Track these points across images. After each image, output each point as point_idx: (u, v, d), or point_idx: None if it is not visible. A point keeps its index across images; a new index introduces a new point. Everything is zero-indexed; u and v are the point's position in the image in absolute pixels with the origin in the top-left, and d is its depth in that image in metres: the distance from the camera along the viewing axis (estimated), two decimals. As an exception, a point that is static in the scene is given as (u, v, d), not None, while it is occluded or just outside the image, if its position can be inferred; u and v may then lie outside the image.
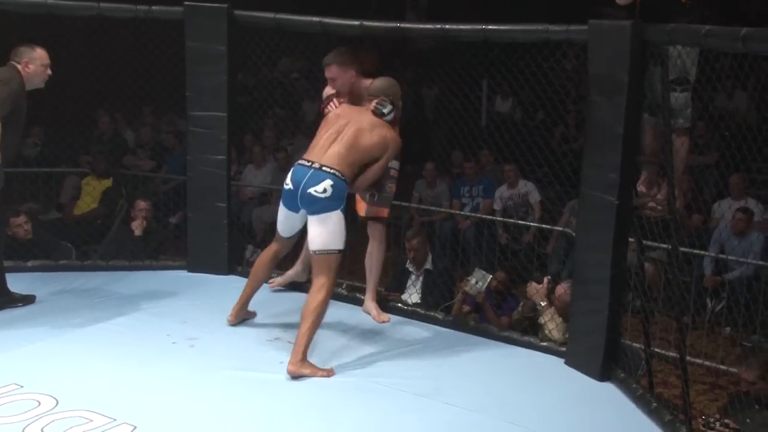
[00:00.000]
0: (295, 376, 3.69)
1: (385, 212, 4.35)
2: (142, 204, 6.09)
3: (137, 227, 5.94)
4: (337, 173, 3.76)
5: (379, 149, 3.88)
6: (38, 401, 3.37)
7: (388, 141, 3.92)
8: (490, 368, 3.96)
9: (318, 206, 3.75)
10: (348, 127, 3.87)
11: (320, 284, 3.75)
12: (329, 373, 3.76)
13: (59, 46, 4.71)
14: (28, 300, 4.49)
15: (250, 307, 4.31)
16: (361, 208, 4.39)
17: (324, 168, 3.76)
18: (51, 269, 5.03)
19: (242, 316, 4.27)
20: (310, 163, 3.80)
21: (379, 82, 4.06)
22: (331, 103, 4.17)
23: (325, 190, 3.72)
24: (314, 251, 3.79)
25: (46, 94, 4.57)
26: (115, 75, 6.61)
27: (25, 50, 4.33)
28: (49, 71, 4.39)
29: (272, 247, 4.17)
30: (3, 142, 4.11)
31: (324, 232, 3.75)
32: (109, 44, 4.97)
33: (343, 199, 3.79)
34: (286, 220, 3.98)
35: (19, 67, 4.31)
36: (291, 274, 4.70)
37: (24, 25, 4.59)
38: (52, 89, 4.55)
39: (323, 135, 3.90)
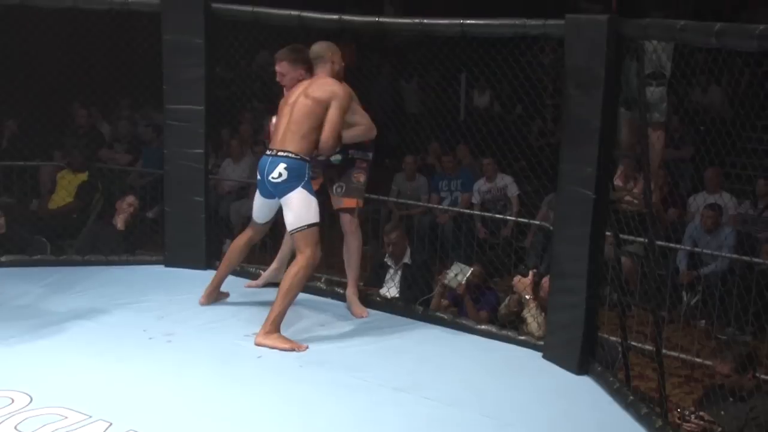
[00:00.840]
0: (260, 345, 3.86)
1: (353, 203, 4.35)
2: (130, 198, 6.03)
3: (121, 221, 5.88)
4: (290, 154, 3.93)
5: (324, 105, 3.96)
6: (11, 398, 3.32)
7: (334, 91, 3.99)
8: (469, 362, 3.96)
9: (279, 190, 3.94)
10: (293, 106, 4.01)
11: (300, 260, 3.93)
12: (297, 347, 3.87)
13: (33, 38, 4.64)
14: None
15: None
16: (332, 200, 4.40)
17: (279, 153, 3.95)
18: (26, 264, 4.97)
19: (214, 297, 4.40)
20: (271, 152, 3.99)
21: (315, 46, 4.16)
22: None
23: (280, 175, 3.91)
24: (290, 232, 3.99)
25: (20, 87, 4.50)
26: (90, 68, 6.53)
27: None
28: None
29: (247, 233, 4.34)
30: None
31: (291, 212, 3.93)
32: (85, 36, 4.90)
33: (301, 177, 3.92)
34: (260, 207, 4.17)
35: None
36: (267, 275, 4.70)
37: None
38: (27, 82, 4.49)
39: (279, 123, 4.07)
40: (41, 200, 7.10)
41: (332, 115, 3.97)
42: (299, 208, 3.91)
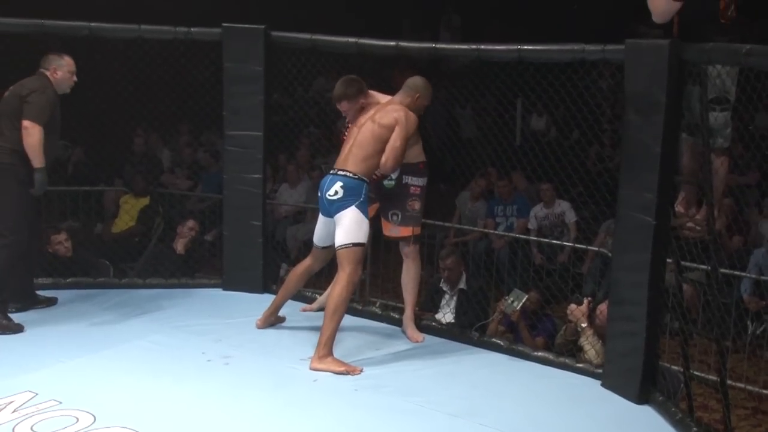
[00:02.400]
0: (315, 370, 3.91)
1: (408, 231, 4.36)
2: (191, 223, 6.15)
3: (181, 245, 5.99)
4: (347, 173, 4.02)
5: (389, 129, 4.04)
6: (76, 417, 3.40)
7: (399, 117, 4.07)
8: (525, 389, 3.92)
9: (333, 208, 4.02)
10: (361, 129, 4.10)
11: (342, 278, 3.97)
12: (352, 370, 3.92)
13: (101, 67, 4.81)
14: (51, 302, 4.70)
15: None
16: (387, 228, 4.41)
17: (339, 172, 4.04)
18: (90, 286, 5.11)
19: (271, 322, 4.47)
20: (333, 171, 4.09)
21: (415, 79, 4.26)
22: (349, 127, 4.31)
23: (336, 192, 3.99)
24: (337, 248, 4.03)
25: (87, 114, 4.66)
26: (153, 96, 6.71)
27: (53, 58, 4.51)
28: (74, 78, 4.56)
29: (306, 261, 4.37)
30: (43, 147, 4.28)
31: (341, 229, 3.98)
32: (149, 65, 5.06)
33: (357, 196, 3.99)
34: (320, 227, 4.21)
35: (48, 73, 4.45)
36: (322, 299, 4.71)
37: (66, 47, 4.72)
38: (94, 110, 4.65)
39: (345, 145, 4.16)
40: (105, 224, 7.29)
41: (394, 138, 4.04)
42: (350, 226, 3.97)
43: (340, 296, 3.96)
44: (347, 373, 3.90)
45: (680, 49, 3.55)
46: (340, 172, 4.04)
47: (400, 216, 4.36)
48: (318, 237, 4.24)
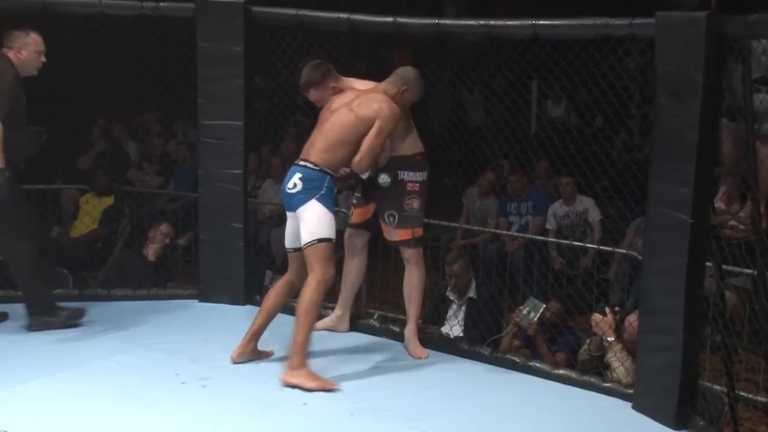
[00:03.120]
0: (286, 385, 3.92)
1: (407, 234, 4.34)
2: (164, 227, 6.12)
3: (152, 252, 5.97)
4: (308, 164, 4.04)
5: (367, 122, 4.04)
6: (29, 450, 3.38)
7: (380, 109, 4.05)
8: (545, 412, 3.90)
9: (293, 201, 4.05)
10: (332, 115, 4.12)
11: (311, 280, 3.99)
12: (325, 385, 3.93)
13: (56, 47, 4.78)
14: (0, 317, 4.67)
15: (264, 346, 4.29)
16: (385, 231, 4.40)
17: (300, 163, 4.08)
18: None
19: (249, 354, 4.24)
20: (295, 162, 4.11)
21: (405, 70, 4.28)
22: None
23: (294, 185, 4.03)
24: (303, 248, 4.03)
25: (41, 101, 4.62)
26: (117, 80, 6.68)
27: (17, 35, 4.46)
28: (43, 58, 4.51)
29: (286, 276, 4.27)
30: (7, 144, 4.20)
31: (304, 226, 4.01)
32: (111, 45, 5.04)
33: (317, 189, 4.00)
34: (290, 226, 4.17)
35: (11, 54, 4.41)
36: (328, 321, 4.67)
37: (15, 24, 4.68)
38: (50, 96, 4.61)
39: (316, 129, 4.17)
40: (63, 227, 7.26)
41: (371, 135, 4.04)
42: (312, 221, 3.99)
43: (311, 300, 3.97)
44: (320, 389, 3.92)
45: (720, 22, 3.52)
46: (300, 163, 4.07)
47: (396, 217, 4.34)
48: (289, 239, 4.20)
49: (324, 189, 4.02)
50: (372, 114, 4.04)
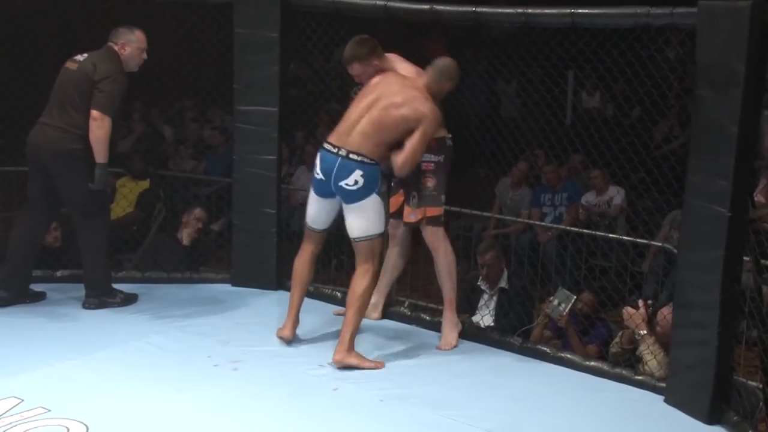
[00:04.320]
0: (342, 366, 4.02)
1: (431, 212, 4.33)
2: (198, 211, 6.16)
3: (187, 236, 6.00)
4: (365, 159, 4.01)
5: (412, 124, 4.05)
6: (66, 427, 3.42)
7: (425, 115, 4.06)
8: (575, 404, 3.88)
9: (352, 197, 4.04)
10: (379, 101, 4.08)
11: (364, 270, 4.08)
12: (377, 365, 4.09)
13: (95, 33, 4.83)
14: (39, 297, 4.78)
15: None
16: (407, 213, 4.39)
17: (351, 156, 4.01)
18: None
19: (295, 329, 4.36)
20: (336, 149, 4.04)
21: (445, 61, 4.27)
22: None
23: (356, 182, 4.00)
24: (354, 238, 4.10)
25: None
26: (155, 66, 6.70)
27: (123, 31, 4.59)
28: (144, 55, 4.64)
29: (308, 247, 4.31)
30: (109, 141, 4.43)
31: (362, 220, 4.06)
32: (150, 31, 5.07)
33: (376, 182, 4.06)
34: (319, 209, 4.19)
35: (116, 48, 4.52)
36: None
37: (56, 12, 4.74)
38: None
39: (354, 110, 4.12)
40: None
41: (415, 139, 4.05)
42: (372, 217, 4.06)
43: (366, 287, 4.09)
44: (376, 368, 4.06)
45: (763, 11, 3.47)
46: (356, 157, 4.01)
47: (417, 197, 4.33)
48: (316, 220, 4.22)
49: (379, 181, 4.11)
50: (416, 117, 4.05)
